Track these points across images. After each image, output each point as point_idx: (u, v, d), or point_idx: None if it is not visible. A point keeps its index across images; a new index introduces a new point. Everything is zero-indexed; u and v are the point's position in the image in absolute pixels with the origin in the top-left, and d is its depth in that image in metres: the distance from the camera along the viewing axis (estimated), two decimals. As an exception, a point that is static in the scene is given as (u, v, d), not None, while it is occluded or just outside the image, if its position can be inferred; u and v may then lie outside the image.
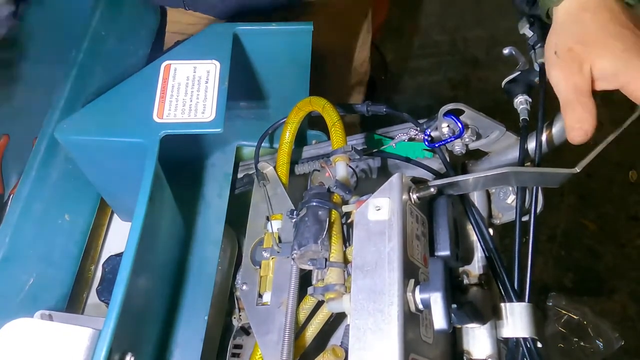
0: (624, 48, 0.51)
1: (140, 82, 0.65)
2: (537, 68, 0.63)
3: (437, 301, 0.49)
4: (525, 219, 0.60)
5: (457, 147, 0.65)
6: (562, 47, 0.54)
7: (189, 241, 0.74)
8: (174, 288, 0.70)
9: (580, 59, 0.53)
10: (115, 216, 0.81)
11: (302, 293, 0.61)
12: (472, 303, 0.54)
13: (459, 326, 0.57)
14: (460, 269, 0.61)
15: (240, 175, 0.82)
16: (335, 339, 0.65)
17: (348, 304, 0.54)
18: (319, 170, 0.74)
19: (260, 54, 0.72)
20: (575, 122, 0.52)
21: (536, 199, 0.60)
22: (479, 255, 0.62)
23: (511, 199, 0.63)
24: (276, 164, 0.73)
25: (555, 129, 0.61)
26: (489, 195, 0.66)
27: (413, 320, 0.51)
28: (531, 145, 0.62)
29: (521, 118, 0.63)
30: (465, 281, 0.59)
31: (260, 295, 0.65)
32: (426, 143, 0.67)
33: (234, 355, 0.72)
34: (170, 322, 0.68)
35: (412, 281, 0.52)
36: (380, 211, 0.55)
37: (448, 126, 0.64)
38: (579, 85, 0.53)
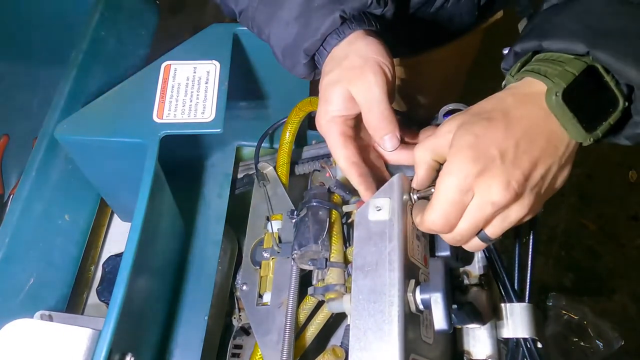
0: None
1: (140, 82, 0.65)
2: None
3: (437, 301, 0.49)
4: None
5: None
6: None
7: (189, 241, 0.74)
8: (174, 288, 0.70)
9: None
10: (115, 216, 0.81)
11: (302, 293, 0.61)
12: (472, 303, 0.54)
13: (459, 326, 0.57)
14: (461, 269, 0.61)
15: (240, 175, 0.82)
16: (336, 339, 0.65)
17: (348, 304, 0.54)
18: (319, 171, 0.74)
19: (261, 54, 0.72)
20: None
21: (536, 199, 0.60)
22: (479, 255, 0.62)
23: (511, 199, 0.63)
24: (276, 164, 0.73)
25: (555, 129, 0.61)
26: (489, 196, 0.66)
27: (413, 320, 0.51)
28: (531, 145, 0.62)
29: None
30: (466, 281, 0.59)
31: (260, 296, 0.65)
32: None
33: (234, 355, 0.71)
34: (170, 322, 0.68)
35: (412, 281, 0.52)
36: (381, 211, 0.55)
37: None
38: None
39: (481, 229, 0.50)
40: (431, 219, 0.49)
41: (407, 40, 0.85)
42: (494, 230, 0.49)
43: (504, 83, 0.53)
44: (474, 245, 0.51)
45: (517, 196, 0.47)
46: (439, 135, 0.51)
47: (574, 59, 0.48)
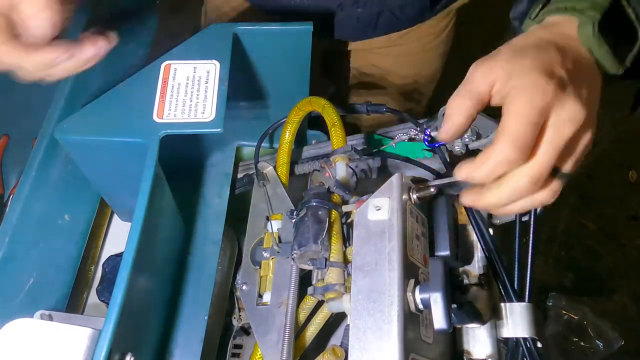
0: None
1: (140, 82, 0.65)
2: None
3: (437, 301, 0.49)
4: (525, 218, 0.60)
5: (457, 147, 0.65)
6: None
7: (189, 241, 0.74)
8: (174, 288, 0.70)
9: None
10: (115, 216, 0.81)
11: (302, 293, 0.61)
12: (472, 303, 0.54)
13: (459, 326, 0.57)
14: (460, 269, 0.61)
15: (240, 175, 0.82)
16: (335, 339, 0.65)
17: (348, 304, 0.54)
18: (319, 170, 0.74)
19: (261, 54, 0.72)
20: None
21: (536, 199, 0.60)
22: (479, 255, 0.62)
23: (511, 199, 0.63)
24: (276, 164, 0.73)
25: (555, 129, 0.61)
26: (489, 195, 0.66)
27: (413, 320, 0.51)
28: (531, 145, 0.62)
29: (521, 118, 0.63)
30: (465, 281, 0.59)
31: (260, 295, 0.65)
32: (426, 143, 0.67)
33: (234, 355, 0.72)
34: (170, 322, 0.68)
35: (412, 281, 0.52)
36: (380, 211, 0.55)
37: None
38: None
39: (555, 167, 0.45)
40: (501, 151, 0.42)
41: (369, 24, 0.88)
42: (571, 160, 0.46)
43: (522, 27, 0.51)
44: (552, 189, 0.47)
45: (588, 117, 0.44)
46: (474, 82, 0.46)
47: None
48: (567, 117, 0.43)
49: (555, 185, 0.47)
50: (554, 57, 0.45)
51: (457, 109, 0.47)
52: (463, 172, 0.46)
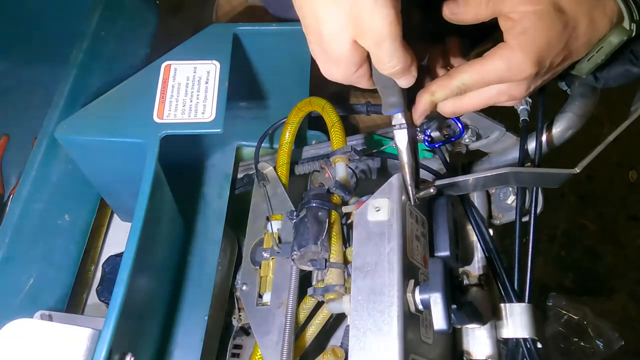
0: None
1: (140, 82, 0.65)
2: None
3: (437, 302, 0.49)
4: (525, 219, 0.60)
5: (457, 147, 0.65)
6: None
7: (188, 241, 0.73)
8: (174, 288, 0.70)
9: None
10: (115, 216, 0.81)
11: (302, 293, 0.61)
12: (471, 303, 0.54)
13: (459, 326, 0.57)
14: (460, 270, 0.61)
15: (240, 176, 0.82)
16: (335, 340, 0.65)
17: (348, 305, 0.54)
18: (318, 171, 0.74)
19: (261, 54, 0.72)
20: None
21: (536, 200, 0.60)
22: (479, 255, 0.62)
23: (511, 199, 0.63)
24: (276, 164, 0.73)
25: (555, 130, 0.61)
26: (489, 196, 0.66)
27: (413, 320, 0.51)
28: (531, 145, 0.62)
29: (521, 119, 0.63)
30: (465, 281, 0.59)
31: (260, 296, 0.65)
32: (426, 143, 0.67)
33: (233, 355, 0.72)
34: (170, 322, 0.68)
35: (412, 282, 0.52)
36: (380, 212, 0.55)
37: (448, 126, 0.64)
38: None
39: None
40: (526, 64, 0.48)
41: None
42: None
43: None
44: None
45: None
46: None
47: None
48: (510, 94, 0.50)
49: None
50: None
51: (474, 3, 0.50)
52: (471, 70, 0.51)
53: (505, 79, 0.49)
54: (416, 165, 0.57)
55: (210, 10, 1.04)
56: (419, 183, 0.58)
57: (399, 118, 0.55)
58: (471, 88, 0.51)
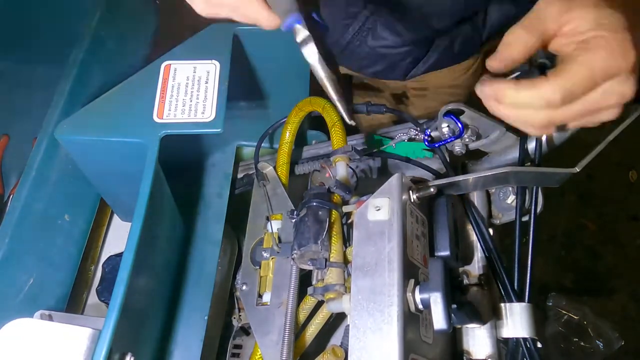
0: None
1: (140, 82, 0.65)
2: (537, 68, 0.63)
3: (437, 301, 0.49)
4: (525, 219, 0.60)
5: (457, 147, 0.65)
6: None
7: (188, 241, 0.74)
8: (173, 288, 0.70)
9: None
10: (115, 216, 0.81)
11: (302, 293, 0.61)
12: (471, 303, 0.54)
13: (459, 326, 0.57)
14: (460, 269, 0.61)
15: (240, 175, 0.82)
16: (335, 339, 0.65)
17: (348, 304, 0.54)
18: (319, 171, 0.74)
19: (260, 54, 0.72)
20: None
21: (536, 199, 0.60)
22: (479, 255, 0.62)
23: (511, 199, 0.63)
24: (276, 164, 0.73)
25: (555, 129, 0.61)
26: (489, 196, 0.66)
27: (413, 320, 0.51)
28: (531, 145, 0.62)
29: (521, 118, 0.63)
30: (465, 281, 0.59)
31: (260, 296, 0.65)
32: (426, 143, 0.67)
33: (233, 355, 0.72)
34: (170, 322, 0.68)
35: (412, 281, 0.52)
36: (380, 211, 0.55)
37: (448, 126, 0.64)
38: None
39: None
40: (554, 91, 0.43)
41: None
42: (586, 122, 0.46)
43: None
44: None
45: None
46: (548, 13, 0.45)
47: None
48: (620, 92, 0.43)
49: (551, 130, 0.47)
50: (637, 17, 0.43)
51: (516, 40, 0.45)
52: (500, 87, 0.45)
53: (612, 69, 0.42)
54: (338, 78, 0.50)
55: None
56: (344, 96, 0.52)
57: (300, 31, 0.49)
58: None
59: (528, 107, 0.45)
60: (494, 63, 0.48)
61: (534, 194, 0.60)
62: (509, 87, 0.45)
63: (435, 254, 0.57)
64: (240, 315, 0.72)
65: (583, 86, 0.43)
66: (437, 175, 0.67)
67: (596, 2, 0.44)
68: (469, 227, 0.64)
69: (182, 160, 0.76)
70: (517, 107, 0.46)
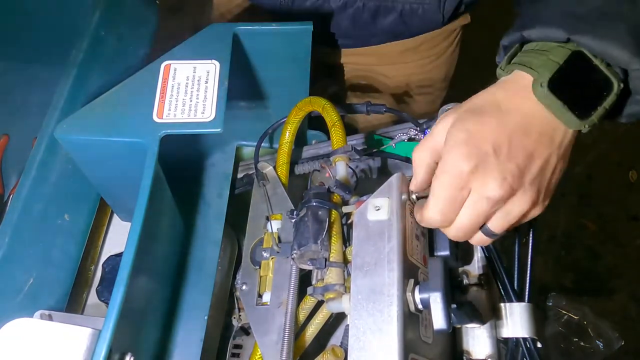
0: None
1: (140, 82, 0.65)
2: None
3: (436, 301, 0.49)
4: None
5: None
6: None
7: (188, 241, 0.74)
8: (173, 288, 0.70)
9: None
10: (115, 216, 0.81)
11: (301, 293, 0.61)
12: (471, 303, 0.54)
13: (459, 326, 0.57)
14: (460, 269, 0.61)
15: (240, 175, 0.82)
16: (335, 339, 0.65)
17: (347, 304, 0.54)
18: (319, 171, 0.74)
19: (260, 54, 0.72)
20: None
21: (536, 199, 0.60)
22: (478, 255, 0.62)
23: (511, 199, 0.63)
24: (276, 164, 0.73)
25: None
26: (488, 195, 0.66)
27: (412, 320, 0.51)
28: (531, 145, 0.62)
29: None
30: (465, 281, 0.59)
31: (260, 295, 0.65)
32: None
33: (233, 355, 0.72)
34: (170, 322, 0.68)
35: (411, 281, 0.52)
36: (380, 211, 0.55)
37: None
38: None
39: (484, 224, 0.49)
40: (429, 215, 0.50)
41: (367, 31, 0.87)
42: (498, 224, 0.49)
43: (497, 73, 0.53)
44: (478, 239, 0.52)
45: (514, 190, 0.47)
46: (435, 134, 0.51)
47: (557, 47, 0.48)
48: (483, 195, 0.47)
49: (481, 239, 0.51)
50: (489, 129, 0.47)
51: (418, 162, 0.53)
52: (417, 217, 0.55)
53: (456, 185, 0.47)
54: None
55: (210, 10, 1.04)
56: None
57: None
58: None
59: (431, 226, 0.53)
60: (412, 188, 0.56)
61: (533, 194, 0.60)
62: (416, 211, 0.55)
63: (435, 253, 0.57)
64: (240, 315, 0.72)
65: (445, 202, 0.48)
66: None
67: (456, 119, 0.49)
68: (469, 227, 0.63)
69: (182, 160, 0.76)
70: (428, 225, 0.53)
